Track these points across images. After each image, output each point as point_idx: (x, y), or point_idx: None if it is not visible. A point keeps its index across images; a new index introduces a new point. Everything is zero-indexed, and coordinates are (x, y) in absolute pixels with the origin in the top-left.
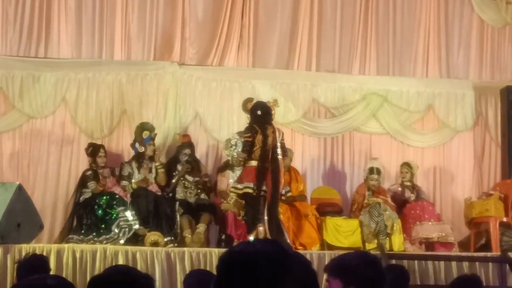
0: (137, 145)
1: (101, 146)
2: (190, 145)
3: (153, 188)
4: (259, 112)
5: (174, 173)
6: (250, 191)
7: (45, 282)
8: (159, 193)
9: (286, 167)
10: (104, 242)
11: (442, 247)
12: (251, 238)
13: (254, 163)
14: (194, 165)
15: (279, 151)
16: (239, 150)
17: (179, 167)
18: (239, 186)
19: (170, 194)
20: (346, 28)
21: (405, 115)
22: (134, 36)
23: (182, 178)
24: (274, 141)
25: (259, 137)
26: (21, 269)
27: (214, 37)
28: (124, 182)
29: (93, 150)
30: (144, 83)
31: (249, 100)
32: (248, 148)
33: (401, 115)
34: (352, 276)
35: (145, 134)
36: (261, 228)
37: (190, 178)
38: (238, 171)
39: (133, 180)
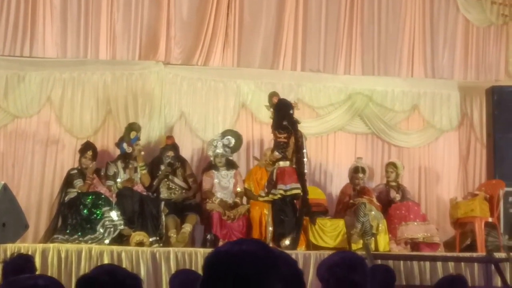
0: (124, 145)
1: (91, 148)
2: (173, 147)
3: (139, 188)
4: (291, 111)
5: (157, 174)
6: (299, 192)
7: (36, 283)
8: (145, 193)
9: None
10: (89, 242)
11: (427, 247)
12: (287, 242)
13: (287, 163)
14: (178, 167)
15: (305, 153)
16: (222, 152)
17: (162, 167)
18: (285, 187)
19: (155, 194)
20: (331, 28)
21: (390, 115)
22: (119, 35)
23: (166, 180)
24: (302, 143)
25: (292, 138)
26: (6, 269)
27: (199, 37)
28: (110, 182)
29: (82, 148)
30: (129, 83)
31: (274, 94)
32: (283, 148)
33: (386, 115)
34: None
35: (133, 134)
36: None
37: (174, 179)
38: (223, 171)
39: (118, 180)
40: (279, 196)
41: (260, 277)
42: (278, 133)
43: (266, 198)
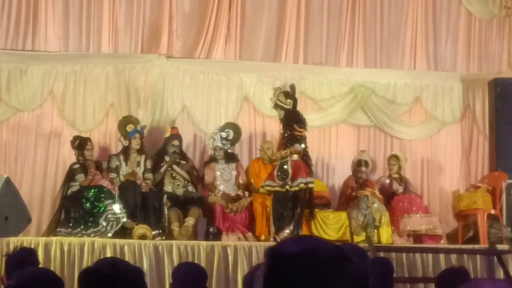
0: (121, 139)
1: (88, 138)
2: (178, 137)
3: (141, 181)
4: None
5: (161, 164)
6: (313, 185)
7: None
8: None
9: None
10: (92, 235)
11: (430, 239)
12: (286, 232)
13: (297, 157)
14: (181, 157)
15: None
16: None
17: (167, 158)
18: (305, 180)
19: (157, 187)
20: (333, 21)
21: (392, 108)
22: (122, 29)
23: (170, 169)
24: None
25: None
26: (9, 262)
27: (201, 30)
28: (112, 175)
29: (80, 143)
30: (132, 76)
31: (294, 86)
32: (304, 142)
33: (389, 107)
34: None
35: (130, 128)
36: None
37: (178, 169)
38: (223, 164)
39: (120, 173)
40: (296, 188)
41: (329, 276)
42: (298, 127)
43: (278, 189)
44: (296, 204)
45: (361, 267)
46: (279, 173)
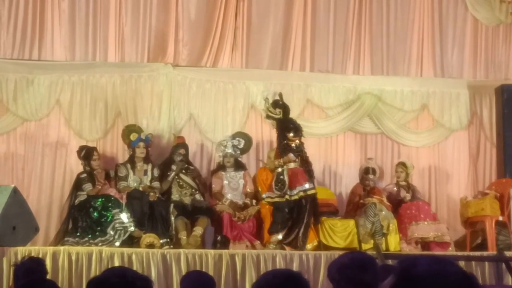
0: (125, 147)
1: (94, 148)
2: (184, 145)
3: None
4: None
5: (168, 173)
6: (315, 191)
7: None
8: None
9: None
10: (100, 244)
11: (438, 246)
12: (279, 237)
13: (296, 164)
14: (187, 166)
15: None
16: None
17: (174, 167)
18: (302, 188)
19: (165, 196)
20: (339, 28)
21: (399, 115)
22: (128, 38)
23: (177, 178)
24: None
25: (300, 141)
26: (18, 272)
27: (207, 39)
28: (124, 183)
29: (86, 153)
30: (138, 85)
31: (281, 94)
32: (299, 151)
33: (396, 114)
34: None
35: (133, 136)
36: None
37: (185, 178)
38: (231, 172)
39: (129, 181)
40: (296, 197)
41: None
42: (293, 136)
43: (276, 200)
44: (300, 212)
45: None
46: (277, 183)
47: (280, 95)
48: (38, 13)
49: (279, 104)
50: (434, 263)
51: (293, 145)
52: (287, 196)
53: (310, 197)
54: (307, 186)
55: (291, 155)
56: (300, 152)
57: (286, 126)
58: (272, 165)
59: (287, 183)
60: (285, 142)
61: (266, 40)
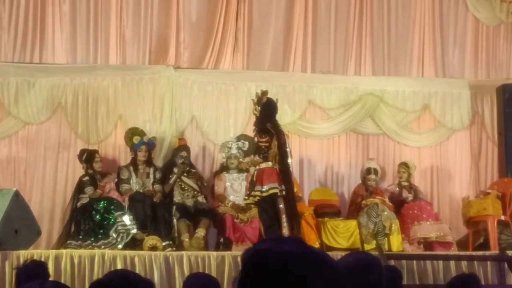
0: (128, 150)
1: (96, 151)
2: (186, 148)
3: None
4: (275, 114)
5: (170, 175)
6: (277, 191)
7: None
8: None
9: None
10: (102, 247)
11: (440, 246)
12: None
13: (268, 164)
14: (189, 168)
15: (289, 152)
16: (236, 153)
17: (175, 170)
18: (263, 188)
19: (167, 199)
20: (340, 29)
21: (401, 115)
22: (129, 40)
23: (179, 180)
24: (285, 143)
25: (274, 141)
26: (20, 275)
27: (209, 41)
28: (126, 186)
29: (88, 156)
30: (140, 87)
31: (266, 93)
32: (264, 152)
33: (397, 115)
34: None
35: (136, 139)
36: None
37: (187, 180)
38: (234, 174)
39: (131, 184)
40: (257, 198)
41: (304, 279)
42: (260, 137)
43: (248, 201)
44: (267, 211)
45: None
46: (249, 184)
47: (263, 92)
48: (39, 16)
49: (258, 102)
50: (273, 243)
51: (262, 146)
52: (251, 198)
53: (269, 198)
54: (265, 187)
55: (256, 157)
56: (265, 153)
57: (259, 127)
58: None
59: (254, 183)
60: (256, 142)
61: (268, 41)
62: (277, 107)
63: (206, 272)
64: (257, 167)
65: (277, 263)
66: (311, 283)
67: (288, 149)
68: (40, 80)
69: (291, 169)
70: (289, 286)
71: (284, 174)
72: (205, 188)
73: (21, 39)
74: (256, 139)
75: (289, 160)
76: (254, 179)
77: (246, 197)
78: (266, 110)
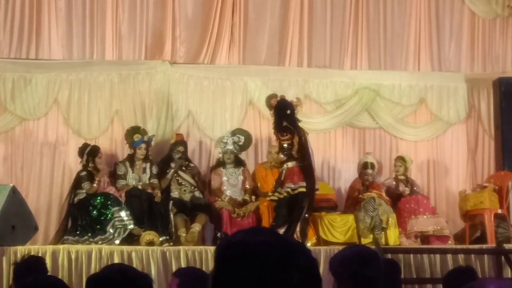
0: (127, 146)
1: (98, 147)
2: (183, 143)
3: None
4: (289, 112)
5: (167, 170)
6: (304, 190)
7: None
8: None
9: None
10: (100, 242)
11: (437, 240)
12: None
13: (294, 163)
14: (187, 163)
15: (310, 149)
16: (232, 148)
17: (172, 165)
18: (293, 186)
19: (164, 194)
20: (336, 23)
21: (397, 109)
22: (125, 36)
23: (176, 175)
24: (306, 140)
25: (296, 138)
26: (18, 271)
27: (204, 36)
28: (122, 181)
29: (92, 150)
30: (136, 83)
31: (273, 96)
32: (288, 150)
33: (394, 109)
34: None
35: (136, 137)
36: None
37: (184, 175)
38: (230, 168)
39: (128, 179)
40: (285, 194)
41: (277, 268)
42: (280, 135)
43: (272, 197)
44: (285, 207)
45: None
46: (275, 181)
47: (271, 95)
48: (34, 12)
49: (270, 106)
50: (245, 233)
51: (285, 145)
52: (277, 194)
53: (302, 195)
54: (296, 185)
55: (280, 156)
56: (289, 151)
57: (277, 126)
58: (269, 165)
59: (281, 181)
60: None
61: (263, 36)
62: (290, 105)
63: (203, 266)
64: (285, 165)
65: (250, 254)
66: (285, 273)
67: (309, 147)
68: (36, 76)
69: (313, 166)
70: (263, 277)
71: (307, 172)
72: (202, 183)
73: (17, 35)
74: (277, 139)
75: (312, 158)
76: (283, 177)
77: (271, 193)
78: (279, 111)
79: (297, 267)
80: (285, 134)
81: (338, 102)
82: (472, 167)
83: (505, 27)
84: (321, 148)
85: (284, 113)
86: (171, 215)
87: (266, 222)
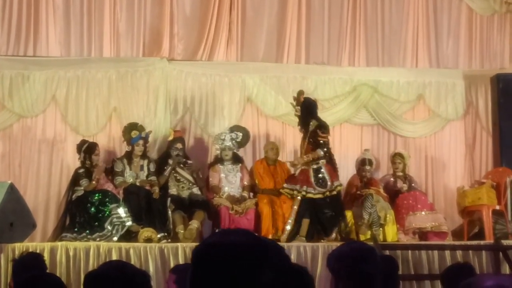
0: (125, 143)
1: (96, 143)
2: (181, 140)
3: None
4: (315, 111)
5: (165, 167)
6: (341, 188)
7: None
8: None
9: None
10: (98, 239)
11: (435, 236)
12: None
13: (323, 162)
14: (185, 160)
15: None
16: (230, 145)
17: (170, 162)
18: (339, 183)
19: (162, 190)
20: (334, 20)
21: (395, 106)
22: (123, 33)
23: (174, 172)
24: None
25: (329, 137)
26: (16, 267)
27: (202, 33)
28: (120, 178)
29: (89, 146)
30: (134, 80)
31: (301, 92)
32: (326, 147)
33: (392, 105)
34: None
35: (134, 134)
36: None
37: (182, 172)
38: (228, 165)
39: (125, 176)
40: (334, 192)
41: (251, 267)
42: (321, 132)
43: (321, 196)
44: (336, 206)
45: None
46: (318, 180)
47: (299, 92)
48: (32, 9)
49: (297, 103)
50: (220, 235)
51: (321, 141)
52: (327, 193)
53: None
54: (336, 183)
55: (319, 151)
56: (328, 148)
57: (319, 123)
58: (270, 156)
59: (327, 179)
60: (314, 139)
61: (261, 33)
62: (316, 104)
63: None
64: (322, 162)
65: (225, 254)
66: (260, 274)
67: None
68: (34, 73)
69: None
70: (238, 277)
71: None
72: (200, 180)
73: (15, 32)
74: (309, 135)
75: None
76: (327, 175)
77: (328, 192)
78: (306, 109)
79: (271, 265)
80: (326, 131)
81: (336, 99)
82: (470, 163)
83: (503, 23)
84: None
85: (312, 112)
86: (169, 212)
87: (266, 219)
